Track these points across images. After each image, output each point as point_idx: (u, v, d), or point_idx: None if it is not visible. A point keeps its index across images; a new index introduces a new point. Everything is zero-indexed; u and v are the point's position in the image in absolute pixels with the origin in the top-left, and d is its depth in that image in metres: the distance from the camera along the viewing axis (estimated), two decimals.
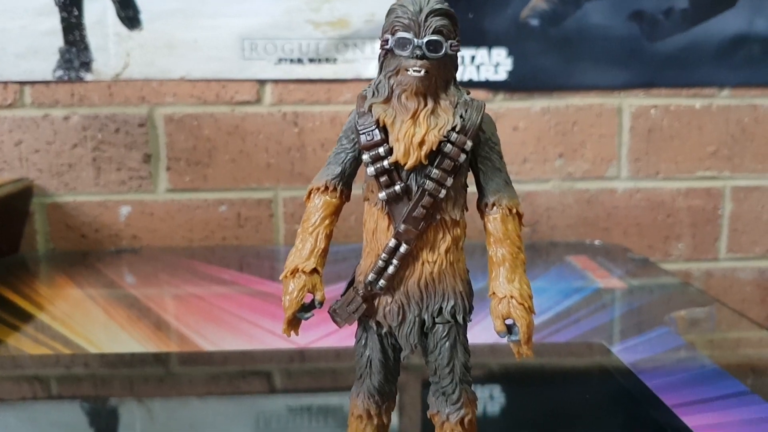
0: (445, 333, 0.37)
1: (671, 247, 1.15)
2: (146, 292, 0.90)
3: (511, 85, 1.10)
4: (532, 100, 1.10)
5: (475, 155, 0.37)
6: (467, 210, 0.37)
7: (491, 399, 0.60)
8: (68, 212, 1.08)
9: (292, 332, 0.37)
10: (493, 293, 0.36)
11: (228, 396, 0.63)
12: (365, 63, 1.07)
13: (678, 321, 0.77)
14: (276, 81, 1.07)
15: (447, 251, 0.36)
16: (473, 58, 1.08)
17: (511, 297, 0.35)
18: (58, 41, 1.03)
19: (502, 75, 1.09)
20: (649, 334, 0.73)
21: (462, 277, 0.37)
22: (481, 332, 0.47)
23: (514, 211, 0.37)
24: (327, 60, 1.07)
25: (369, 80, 1.06)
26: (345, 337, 0.69)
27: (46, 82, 1.04)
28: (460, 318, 0.37)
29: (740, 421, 0.54)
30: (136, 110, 1.06)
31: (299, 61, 1.06)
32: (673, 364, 0.66)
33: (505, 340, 0.36)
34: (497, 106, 1.10)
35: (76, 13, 1.03)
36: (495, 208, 0.37)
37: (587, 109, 1.11)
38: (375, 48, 1.07)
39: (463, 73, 1.08)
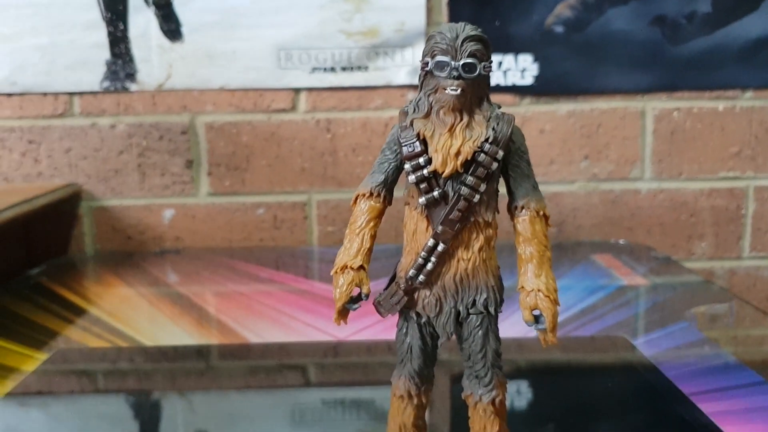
0: (478, 323, 0.41)
1: (694, 246, 1.18)
2: (190, 289, 0.95)
3: (538, 90, 1.13)
4: (557, 104, 1.14)
5: (506, 163, 0.41)
6: (498, 212, 0.41)
7: (518, 391, 0.64)
8: (114, 215, 1.14)
9: (342, 321, 0.41)
10: (522, 287, 0.40)
11: (266, 388, 0.68)
12: (395, 70, 1.12)
13: (698, 316, 0.80)
14: (310, 89, 1.12)
15: (480, 249, 0.40)
16: (500, 63, 1.12)
17: (538, 290, 0.40)
18: (105, 54, 1.09)
19: (528, 80, 1.13)
20: (670, 329, 0.76)
21: (494, 272, 0.41)
22: (511, 327, 0.51)
23: (542, 213, 0.41)
24: (359, 68, 1.11)
25: (398, 87, 1.11)
26: (378, 331, 0.74)
27: (94, 93, 1.10)
28: (492, 309, 0.41)
29: (755, 408, 0.57)
30: (178, 119, 1.11)
31: (332, 69, 1.11)
32: (691, 356, 0.69)
33: (533, 329, 0.40)
34: (524, 109, 1.13)
35: (121, 27, 1.08)
36: (524, 210, 0.41)
37: (611, 112, 1.14)
38: (404, 56, 1.11)
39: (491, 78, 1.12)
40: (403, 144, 0.40)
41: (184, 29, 1.09)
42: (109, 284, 0.97)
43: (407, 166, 0.40)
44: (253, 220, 1.15)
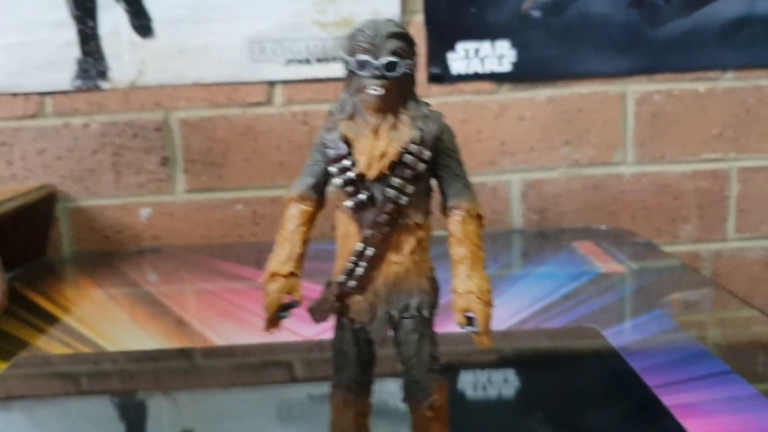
0: (412, 327, 0.40)
1: (679, 229, 1.17)
2: (167, 290, 0.94)
3: (516, 76, 1.12)
4: (536, 90, 1.13)
5: (436, 163, 0.40)
6: (432, 214, 0.40)
7: (482, 382, 0.63)
8: (91, 215, 1.13)
9: (273, 330, 0.40)
10: (454, 289, 0.39)
11: (249, 387, 0.67)
12: None
13: (673, 303, 0.79)
14: (285, 82, 1.10)
15: (411, 252, 0.39)
16: (477, 50, 1.10)
17: (470, 292, 0.39)
18: (75, 52, 1.08)
19: (506, 66, 1.11)
20: (643, 318, 0.75)
21: (427, 275, 0.40)
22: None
23: (474, 213, 0.40)
24: (334, 59, 1.10)
25: None
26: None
27: (66, 92, 1.09)
28: (425, 313, 0.40)
29: (717, 400, 0.56)
30: (152, 115, 1.10)
31: (307, 61, 1.10)
32: (660, 346, 0.68)
33: (466, 331, 0.39)
34: (503, 96, 1.12)
35: (91, 24, 1.07)
36: (456, 211, 0.40)
37: (591, 97, 1.13)
38: None
39: (469, 66, 1.11)
40: (327, 146, 0.39)
41: (155, 24, 1.08)
42: (84, 288, 0.97)
43: (332, 169, 0.39)
44: (232, 216, 1.14)
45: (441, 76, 1.11)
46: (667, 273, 0.93)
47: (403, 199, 0.38)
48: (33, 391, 0.68)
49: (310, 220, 0.41)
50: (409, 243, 0.39)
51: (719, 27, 1.11)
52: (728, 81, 1.13)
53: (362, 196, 0.39)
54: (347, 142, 0.39)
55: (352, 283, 0.39)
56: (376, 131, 0.38)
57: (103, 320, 0.83)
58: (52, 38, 1.07)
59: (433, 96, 1.11)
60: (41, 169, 1.11)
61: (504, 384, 0.65)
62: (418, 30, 1.09)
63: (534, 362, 0.68)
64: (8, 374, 0.68)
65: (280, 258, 0.40)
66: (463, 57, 1.11)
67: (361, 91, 0.38)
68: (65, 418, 0.63)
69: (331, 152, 0.39)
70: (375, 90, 0.38)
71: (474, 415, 0.50)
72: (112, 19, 1.07)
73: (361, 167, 0.38)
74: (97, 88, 1.09)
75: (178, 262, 1.07)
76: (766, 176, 1.16)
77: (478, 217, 0.40)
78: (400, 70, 0.38)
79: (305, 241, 0.41)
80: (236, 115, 1.11)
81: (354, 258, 0.39)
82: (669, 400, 0.55)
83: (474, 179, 0.40)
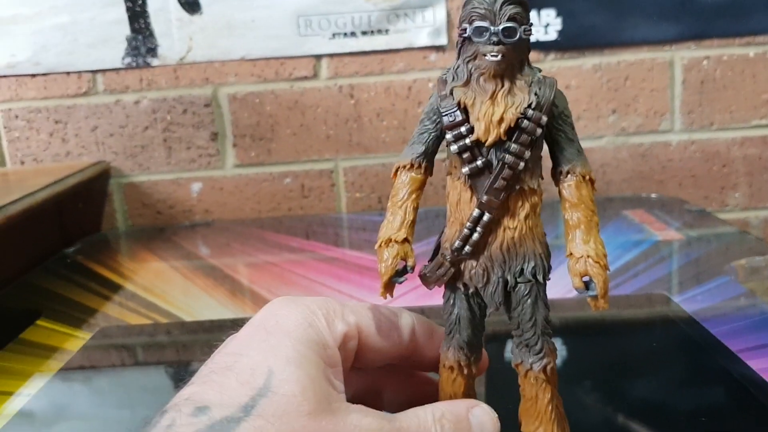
0: (527, 291, 0.40)
1: (728, 197, 1.17)
2: (222, 261, 0.95)
3: (562, 45, 1.11)
4: (583, 58, 1.12)
5: (550, 128, 0.40)
6: (543, 179, 0.41)
7: (563, 349, 0.64)
8: (144, 191, 1.14)
9: (388, 295, 0.41)
10: (571, 253, 0.39)
11: None
12: (416, 32, 1.10)
13: (738, 270, 0.79)
14: (331, 55, 1.10)
15: (526, 217, 0.40)
16: None
17: (588, 256, 0.39)
18: (125, 30, 1.08)
19: (552, 35, 1.11)
20: (710, 284, 0.75)
21: (540, 240, 0.41)
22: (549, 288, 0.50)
23: (587, 177, 0.40)
24: (379, 31, 1.10)
25: (420, 49, 1.10)
26: (421, 296, 0.74)
27: (116, 70, 1.10)
28: (540, 277, 0.40)
29: None
30: (201, 91, 1.11)
31: (352, 34, 1.10)
32: (734, 311, 0.68)
33: (583, 295, 0.39)
34: (549, 65, 1.11)
35: (140, 2, 1.07)
36: (569, 175, 0.40)
37: (638, 64, 1.12)
38: (425, 17, 1.09)
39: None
40: (443, 113, 0.39)
41: (202, 1, 1.08)
42: (143, 259, 0.98)
43: (449, 135, 0.39)
44: (281, 189, 1.15)
45: None
46: (725, 239, 0.93)
47: (521, 165, 0.39)
48: (120, 361, 0.69)
49: (420, 188, 0.41)
50: (524, 208, 0.40)
51: None
52: None
53: (479, 162, 0.39)
54: (463, 109, 0.39)
55: (468, 248, 0.40)
56: (493, 97, 0.38)
57: (169, 288, 0.85)
58: (103, 16, 1.08)
59: None
60: (94, 146, 1.12)
61: (582, 351, 0.65)
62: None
63: (610, 329, 0.68)
64: (91, 344, 0.70)
65: (394, 225, 0.40)
66: None
67: (477, 58, 0.38)
68: (138, 384, 0.65)
69: (447, 119, 0.39)
70: (494, 56, 0.38)
71: (560, 382, 0.50)
72: None
73: (478, 133, 0.38)
74: (147, 65, 1.09)
75: (230, 235, 1.08)
76: None
77: (591, 182, 0.40)
78: (517, 36, 0.38)
79: (416, 208, 0.41)
80: (283, 89, 1.11)
81: (470, 224, 0.39)
82: (756, 364, 0.55)
83: None
